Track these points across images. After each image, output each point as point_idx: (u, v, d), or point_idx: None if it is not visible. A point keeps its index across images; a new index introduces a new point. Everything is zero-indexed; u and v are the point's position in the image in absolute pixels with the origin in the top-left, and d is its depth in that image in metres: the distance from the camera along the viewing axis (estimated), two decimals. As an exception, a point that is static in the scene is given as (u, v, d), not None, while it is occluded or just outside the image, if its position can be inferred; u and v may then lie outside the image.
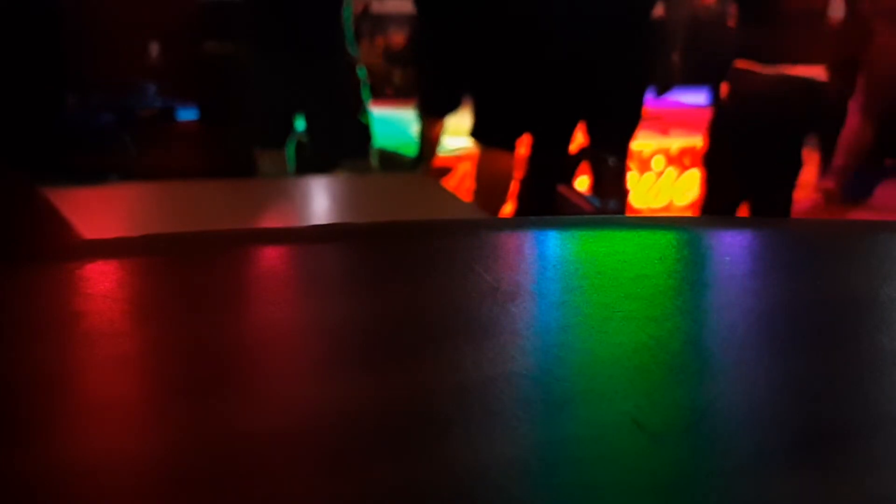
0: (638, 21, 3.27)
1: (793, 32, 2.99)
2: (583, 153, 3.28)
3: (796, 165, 3.28)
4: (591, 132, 3.31)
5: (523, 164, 3.41)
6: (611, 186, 2.80)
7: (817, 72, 3.09)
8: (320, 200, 2.06)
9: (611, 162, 2.72)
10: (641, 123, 3.42)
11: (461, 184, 4.26)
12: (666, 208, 4.83)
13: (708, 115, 3.43)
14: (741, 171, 3.17)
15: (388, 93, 5.46)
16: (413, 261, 0.76)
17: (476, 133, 3.47)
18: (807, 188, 4.96)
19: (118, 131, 4.16)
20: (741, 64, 3.08)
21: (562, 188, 2.76)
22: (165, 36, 4.79)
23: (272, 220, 1.73)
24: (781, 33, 3.00)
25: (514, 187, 3.42)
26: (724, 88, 3.17)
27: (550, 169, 3.18)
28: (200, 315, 0.64)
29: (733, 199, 3.26)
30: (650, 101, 3.48)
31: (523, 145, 3.46)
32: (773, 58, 3.00)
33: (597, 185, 3.08)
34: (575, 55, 3.18)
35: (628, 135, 3.41)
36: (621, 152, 3.32)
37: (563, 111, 3.27)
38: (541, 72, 3.26)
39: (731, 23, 3.19)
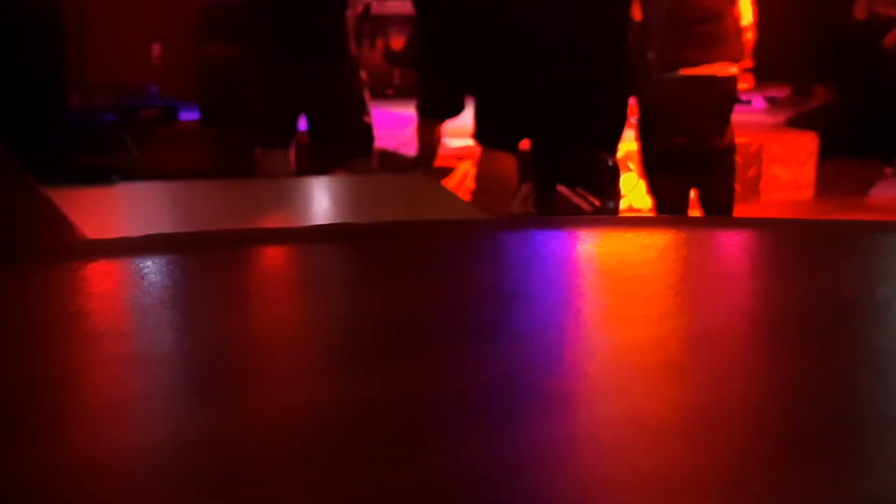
0: (620, 21, 3.28)
1: (695, 37, 3.36)
2: (584, 154, 3.28)
3: (726, 151, 3.64)
4: (591, 134, 3.32)
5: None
6: (611, 187, 2.81)
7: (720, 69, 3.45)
8: (322, 201, 2.06)
9: (610, 162, 2.72)
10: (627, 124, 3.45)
11: (461, 184, 4.26)
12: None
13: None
14: (675, 169, 3.52)
15: (389, 93, 5.46)
16: (413, 261, 0.76)
17: (478, 134, 3.48)
18: (808, 188, 4.97)
19: (120, 132, 4.17)
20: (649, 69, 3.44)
21: (561, 188, 2.76)
22: (168, 37, 4.80)
23: (273, 221, 1.73)
24: (685, 38, 3.35)
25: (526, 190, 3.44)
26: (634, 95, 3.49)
27: (552, 170, 3.19)
28: (201, 315, 0.64)
29: (680, 196, 3.50)
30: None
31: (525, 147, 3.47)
32: (678, 62, 3.38)
33: (598, 185, 3.09)
34: (557, 56, 3.19)
35: (617, 136, 3.42)
36: (611, 153, 3.34)
37: (563, 112, 3.28)
38: (542, 73, 3.26)
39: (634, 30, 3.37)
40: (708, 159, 3.58)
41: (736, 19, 3.51)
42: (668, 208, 3.57)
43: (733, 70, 3.51)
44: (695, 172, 3.59)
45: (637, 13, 3.41)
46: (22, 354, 0.54)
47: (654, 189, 3.60)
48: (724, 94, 3.54)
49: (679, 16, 3.36)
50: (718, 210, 3.66)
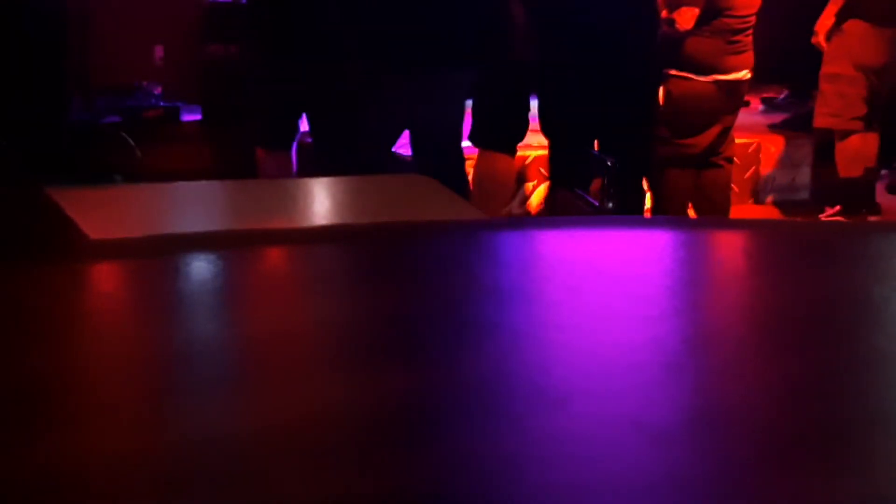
0: (648, 23, 3.31)
1: (724, 45, 3.59)
2: (586, 155, 3.28)
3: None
4: (603, 136, 3.33)
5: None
6: (611, 187, 2.81)
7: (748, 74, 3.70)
8: (323, 201, 2.05)
9: (610, 163, 2.72)
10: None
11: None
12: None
13: None
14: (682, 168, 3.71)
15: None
16: (413, 261, 0.77)
17: (475, 136, 3.48)
18: (805, 189, 4.97)
19: (122, 133, 4.16)
20: (674, 72, 3.63)
21: (562, 189, 2.76)
22: (170, 38, 4.79)
23: (275, 221, 1.73)
24: (714, 46, 3.58)
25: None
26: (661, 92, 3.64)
27: (568, 172, 3.21)
28: (202, 315, 0.64)
29: (685, 192, 3.54)
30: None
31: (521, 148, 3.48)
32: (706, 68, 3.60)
33: (600, 186, 3.10)
34: (586, 58, 3.20)
35: (641, 138, 3.44)
36: (636, 155, 3.37)
37: (575, 115, 3.29)
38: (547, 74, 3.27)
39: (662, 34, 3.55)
40: (711, 159, 3.71)
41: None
42: (673, 207, 3.67)
43: (749, 75, 3.71)
44: (697, 171, 3.70)
45: (685, 22, 3.53)
46: (27, 352, 0.55)
47: (656, 187, 3.66)
48: (741, 98, 3.76)
49: (722, 24, 3.55)
50: (715, 211, 3.73)
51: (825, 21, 4.14)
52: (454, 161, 3.33)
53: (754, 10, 3.65)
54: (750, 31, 3.67)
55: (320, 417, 0.46)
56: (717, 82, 3.62)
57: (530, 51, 3.28)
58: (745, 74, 3.69)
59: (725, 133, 3.79)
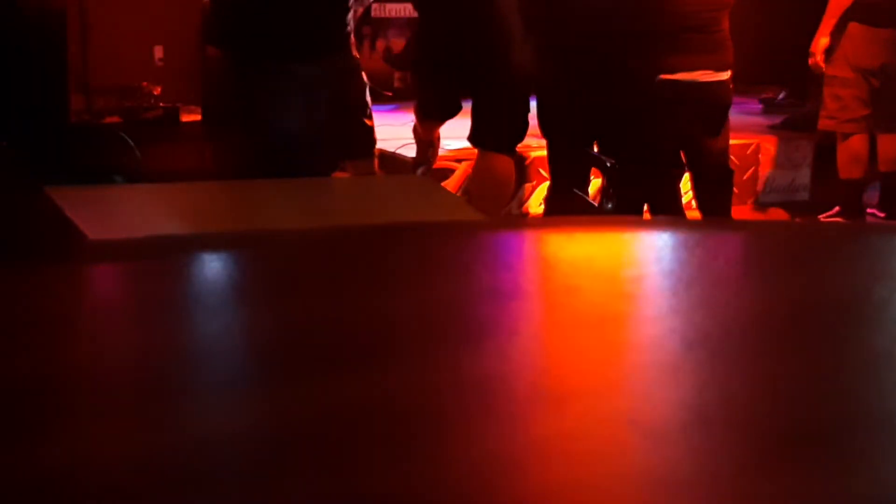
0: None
1: (687, 45, 3.48)
2: (585, 156, 3.29)
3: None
4: (603, 136, 3.34)
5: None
6: (611, 187, 2.82)
7: (713, 75, 3.57)
8: (322, 201, 2.05)
9: (609, 163, 2.73)
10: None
11: (461, 185, 4.26)
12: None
13: None
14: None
15: (389, 95, 5.46)
16: (413, 261, 0.77)
17: (475, 136, 3.49)
18: (804, 190, 4.97)
19: (122, 134, 4.17)
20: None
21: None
22: (170, 39, 4.80)
23: (274, 221, 1.73)
24: (669, 47, 3.46)
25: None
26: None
27: (567, 174, 3.22)
28: (202, 316, 0.65)
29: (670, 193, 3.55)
30: None
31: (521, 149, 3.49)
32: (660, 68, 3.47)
33: (600, 186, 3.11)
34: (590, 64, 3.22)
35: (640, 138, 3.45)
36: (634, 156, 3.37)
37: (577, 116, 3.29)
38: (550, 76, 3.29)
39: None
40: (699, 161, 3.64)
41: (724, 30, 3.58)
42: (667, 210, 3.64)
43: (723, 76, 3.55)
44: (695, 175, 3.66)
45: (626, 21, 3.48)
46: (27, 352, 0.55)
47: (654, 190, 3.65)
48: (709, 99, 3.57)
49: (666, 24, 3.45)
50: (715, 213, 3.70)
51: (820, 40, 4.10)
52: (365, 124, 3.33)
53: (709, 7, 3.47)
54: (713, 30, 3.51)
55: (320, 418, 0.46)
56: (665, 81, 3.43)
57: (528, 53, 3.29)
58: (701, 75, 3.51)
59: (693, 139, 3.59)
